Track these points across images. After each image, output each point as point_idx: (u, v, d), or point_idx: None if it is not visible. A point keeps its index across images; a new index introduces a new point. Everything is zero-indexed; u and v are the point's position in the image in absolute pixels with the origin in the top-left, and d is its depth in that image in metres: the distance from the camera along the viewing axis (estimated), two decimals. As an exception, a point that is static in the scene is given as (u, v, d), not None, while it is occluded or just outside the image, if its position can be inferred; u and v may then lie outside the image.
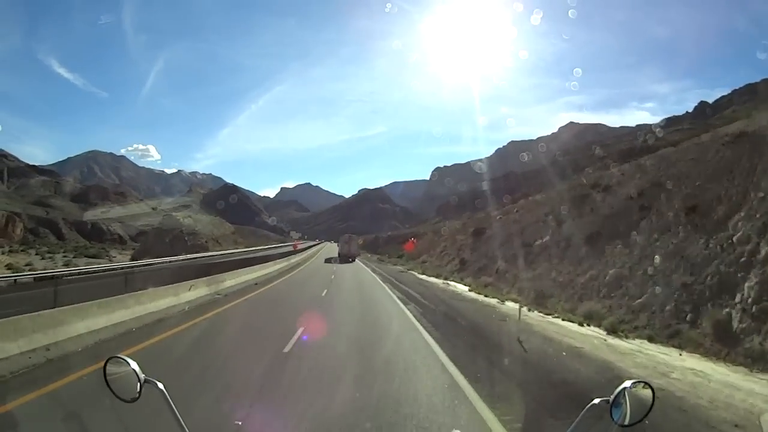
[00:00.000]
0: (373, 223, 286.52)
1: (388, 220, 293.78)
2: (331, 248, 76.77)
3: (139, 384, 1.98)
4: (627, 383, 1.87)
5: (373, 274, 32.29)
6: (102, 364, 2.06)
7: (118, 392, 2.03)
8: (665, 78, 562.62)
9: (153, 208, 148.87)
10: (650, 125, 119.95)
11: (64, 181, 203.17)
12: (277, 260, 32.44)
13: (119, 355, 2.08)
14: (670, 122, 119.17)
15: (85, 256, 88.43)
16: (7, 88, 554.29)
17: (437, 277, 29.54)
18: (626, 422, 1.85)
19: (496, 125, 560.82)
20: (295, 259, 41.45)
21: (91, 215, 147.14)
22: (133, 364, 2.01)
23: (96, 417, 4.62)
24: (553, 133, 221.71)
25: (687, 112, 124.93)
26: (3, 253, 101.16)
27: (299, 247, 50.60)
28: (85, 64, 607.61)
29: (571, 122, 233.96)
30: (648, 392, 1.93)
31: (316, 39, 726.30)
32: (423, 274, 32.74)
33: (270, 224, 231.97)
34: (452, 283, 25.75)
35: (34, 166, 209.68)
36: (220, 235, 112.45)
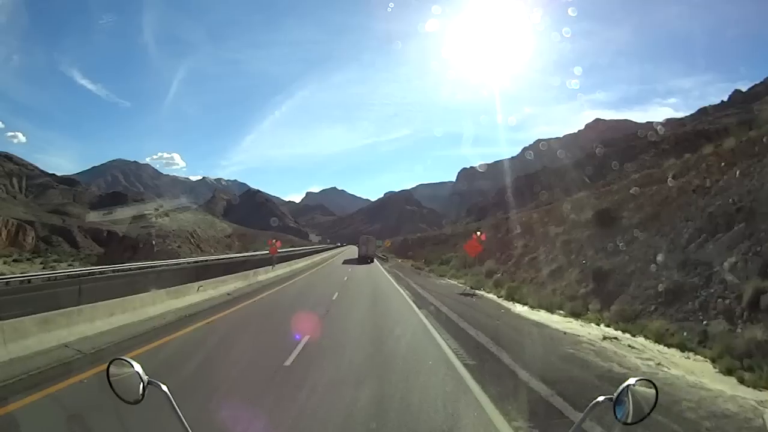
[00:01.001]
0: (400, 225, 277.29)
1: (415, 222, 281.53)
2: (353, 251, 73.51)
3: (142, 385, 1.95)
4: (630, 380, 1.84)
5: (420, 314, 14.12)
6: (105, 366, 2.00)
7: (122, 394, 1.98)
8: (686, 73, 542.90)
9: (156, 209, 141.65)
10: (680, 119, 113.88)
11: (82, 189, 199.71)
12: (222, 279, 18.21)
13: (122, 357, 2.03)
14: (704, 113, 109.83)
15: (91, 265, 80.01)
16: (32, 101, 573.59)
17: (550, 310, 14.07)
18: (629, 420, 1.83)
19: (521, 125, 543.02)
20: (264, 276, 23.83)
21: (93, 217, 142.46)
22: (137, 366, 1.97)
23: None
24: (579, 131, 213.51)
25: (722, 101, 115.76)
26: (5, 263, 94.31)
27: (280, 250, 34.15)
28: (107, 74, 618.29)
29: (597, 119, 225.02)
30: (651, 390, 1.83)
31: (337, 44, 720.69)
32: (515, 301, 16.62)
33: (272, 225, 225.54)
34: (644, 344, 9.59)
35: (53, 174, 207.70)
36: (208, 238, 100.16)
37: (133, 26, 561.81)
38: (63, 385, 6.72)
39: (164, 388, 1.95)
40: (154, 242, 67.23)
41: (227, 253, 71.64)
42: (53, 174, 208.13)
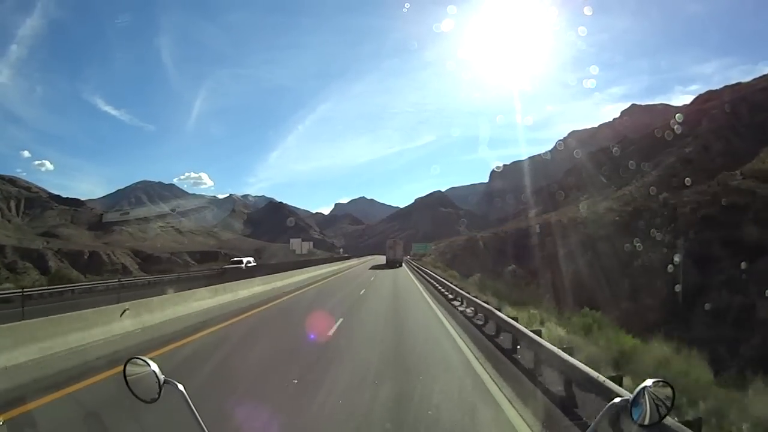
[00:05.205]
0: (436, 229, 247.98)
1: (452, 224, 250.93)
2: (380, 261, 69.51)
3: (158, 385, 1.96)
4: (648, 382, 1.81)
5: None
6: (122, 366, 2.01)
7: (138, 393, 1.99)
8: (706, 57, 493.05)
9: (172, 210, 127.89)
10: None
11: (85, 210, 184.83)
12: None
13: (139, 356, 2.04)
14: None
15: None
16: (57, 129, 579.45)
17: None
18: (646, 422, 1.80)
19: (550, 120, 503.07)
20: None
21: (110, 217, 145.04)
22: (153, 365, 1.98)
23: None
24: (615, 119, 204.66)
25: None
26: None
27: None
28: (130, 100, 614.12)
29: (633, 104, 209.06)
30: (668, 391, 1.82)
31: (356, 55, 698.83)
32: None
33: (288, 225, 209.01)
34: None
35: (57, 196, 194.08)
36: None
37: (153, 51, 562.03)
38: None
39: (180, 387, 1.95)
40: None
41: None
42: (57, 195, 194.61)
